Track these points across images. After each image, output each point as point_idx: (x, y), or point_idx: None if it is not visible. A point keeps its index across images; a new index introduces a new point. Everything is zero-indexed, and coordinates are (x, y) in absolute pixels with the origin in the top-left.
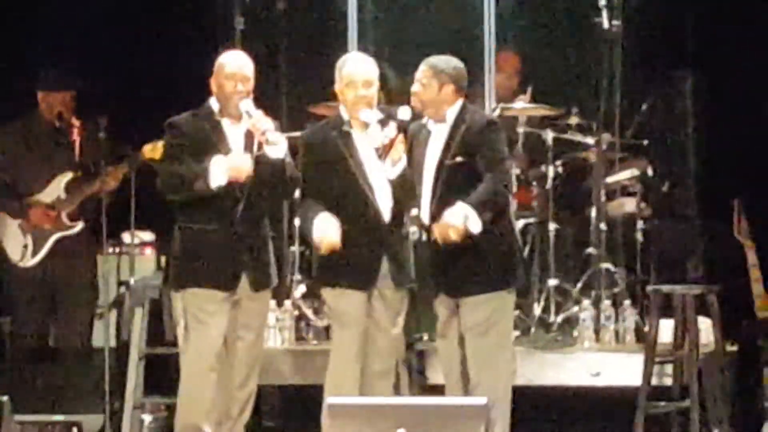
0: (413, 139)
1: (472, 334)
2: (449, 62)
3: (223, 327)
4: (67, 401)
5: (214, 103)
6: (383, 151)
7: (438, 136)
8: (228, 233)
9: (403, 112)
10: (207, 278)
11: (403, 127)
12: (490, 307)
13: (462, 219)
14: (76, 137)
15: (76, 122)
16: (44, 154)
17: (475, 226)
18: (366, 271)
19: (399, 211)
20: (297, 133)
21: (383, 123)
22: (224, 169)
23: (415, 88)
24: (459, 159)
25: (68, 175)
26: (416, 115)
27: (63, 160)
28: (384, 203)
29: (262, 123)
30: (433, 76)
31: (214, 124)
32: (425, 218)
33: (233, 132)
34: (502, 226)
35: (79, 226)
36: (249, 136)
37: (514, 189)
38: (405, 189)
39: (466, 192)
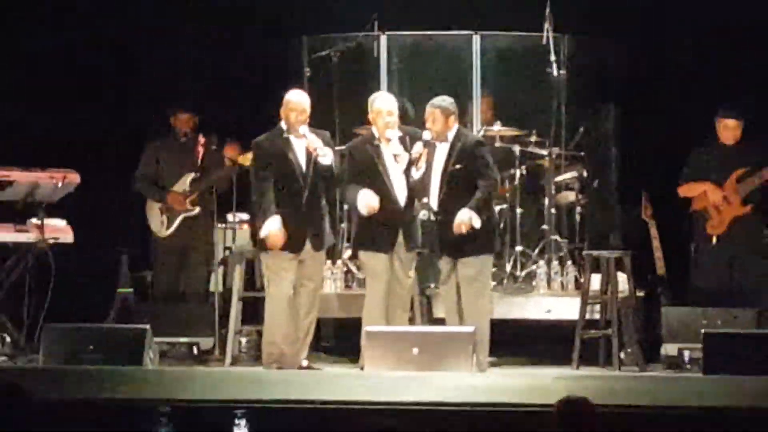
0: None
1: (465, 283)
2: (446, 100)
3: (293, 278)
4: (190, 328)
5: (283, 125)
6: (413, 162)
7: (442, 150)
8: (296, 212)
9: (427, 135)
10: (282, 245)
11: (426, 145)
12: (478, 265)
13: (468, 219)
14: (200, 149)
15: (201, 139)
16: (178, 159)
17: (477, 221)
18: (387, 240)
19: (411, 200)
20: (344, 146)
21: (402, 140)
22: (274, 230)
23: (429, 125)
24: (458, 166)
25: (191, 175)
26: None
27: (189, 164)
28: (400, 194)
29: (314, 142)
30: (441, 113)
31: (284, 140)
32: (434, 206)
33: (297, 144)
34: (487, 210)
35: (197, 209)
36: (307, 149)
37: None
38: (421, 186)
39: (463, 188)
